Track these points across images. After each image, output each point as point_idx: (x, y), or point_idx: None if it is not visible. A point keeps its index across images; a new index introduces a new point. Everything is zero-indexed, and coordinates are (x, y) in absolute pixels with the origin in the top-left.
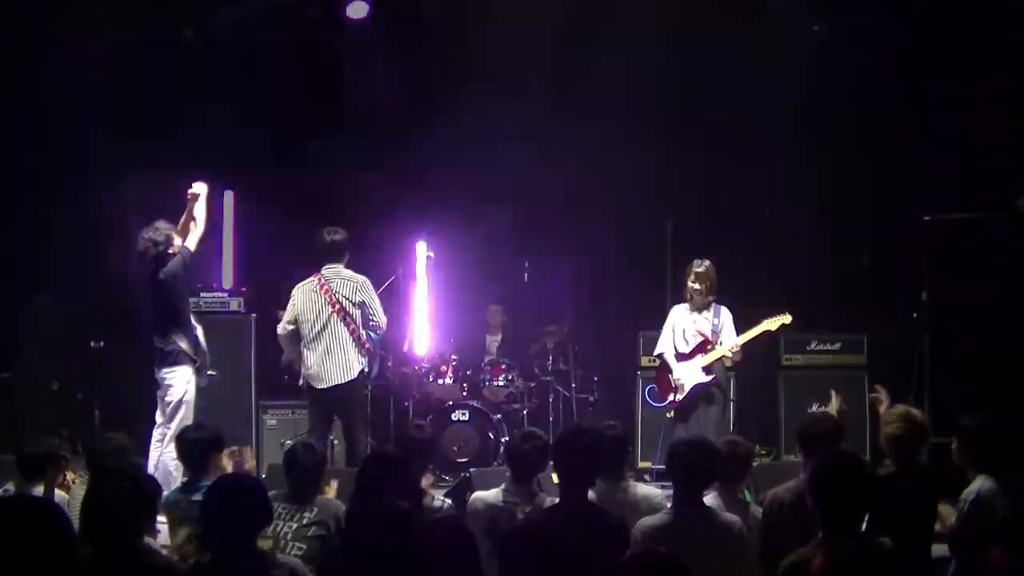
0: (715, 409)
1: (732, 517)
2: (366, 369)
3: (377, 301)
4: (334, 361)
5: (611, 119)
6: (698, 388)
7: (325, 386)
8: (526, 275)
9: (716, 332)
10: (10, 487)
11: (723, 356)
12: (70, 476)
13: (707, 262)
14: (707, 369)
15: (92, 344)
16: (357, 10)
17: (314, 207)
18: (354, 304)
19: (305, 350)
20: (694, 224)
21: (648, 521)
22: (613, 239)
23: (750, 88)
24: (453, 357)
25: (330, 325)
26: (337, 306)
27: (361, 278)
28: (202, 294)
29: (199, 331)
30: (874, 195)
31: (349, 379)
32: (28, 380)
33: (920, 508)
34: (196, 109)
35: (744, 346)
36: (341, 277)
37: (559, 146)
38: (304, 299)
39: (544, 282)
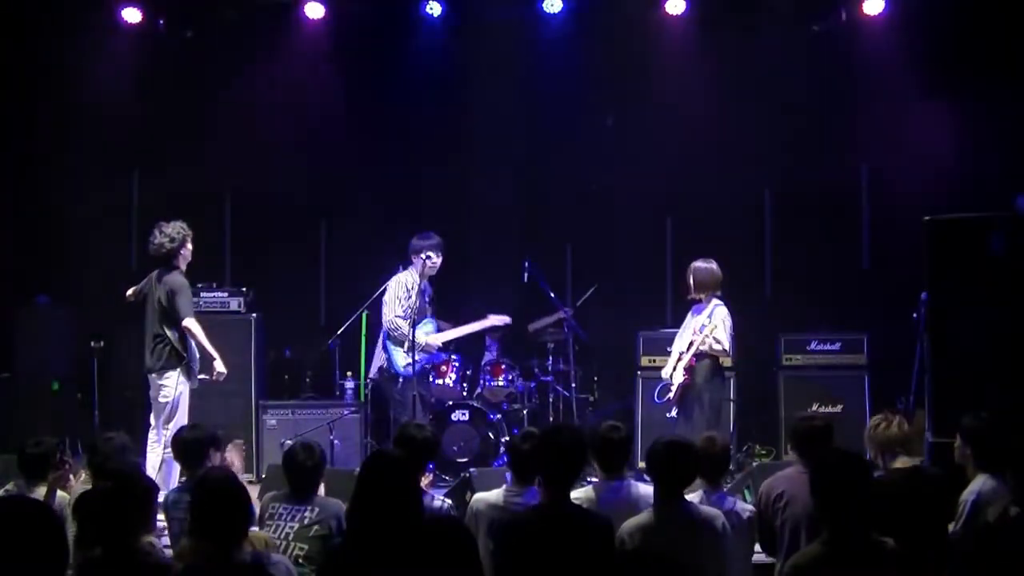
0: (696, 409)
1: (713, 511)
2: (384, 365)
3: (393, 298)
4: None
5: (611, 116)
6: (680, 388)
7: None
8: (525, 275)
9: (703, 332)
10: (11, 487)
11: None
12: (73, 478)
13: (698, 262)
14: (686, 369)
15: (92, 344)
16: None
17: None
18: (381, 304)
19: None
20: (694, 224)
21: (632, 521)
22: (613, 238)
23: (750, 86)
24: (453, 357)
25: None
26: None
27: (395, 279)
28: (202, 294)
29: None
30: (874, 194)
31: (372, 375)
32: (28, 380)
33: (925, 508)
34: (195, 110)
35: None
36: (392, 280)
37: (560, 146)
38: None
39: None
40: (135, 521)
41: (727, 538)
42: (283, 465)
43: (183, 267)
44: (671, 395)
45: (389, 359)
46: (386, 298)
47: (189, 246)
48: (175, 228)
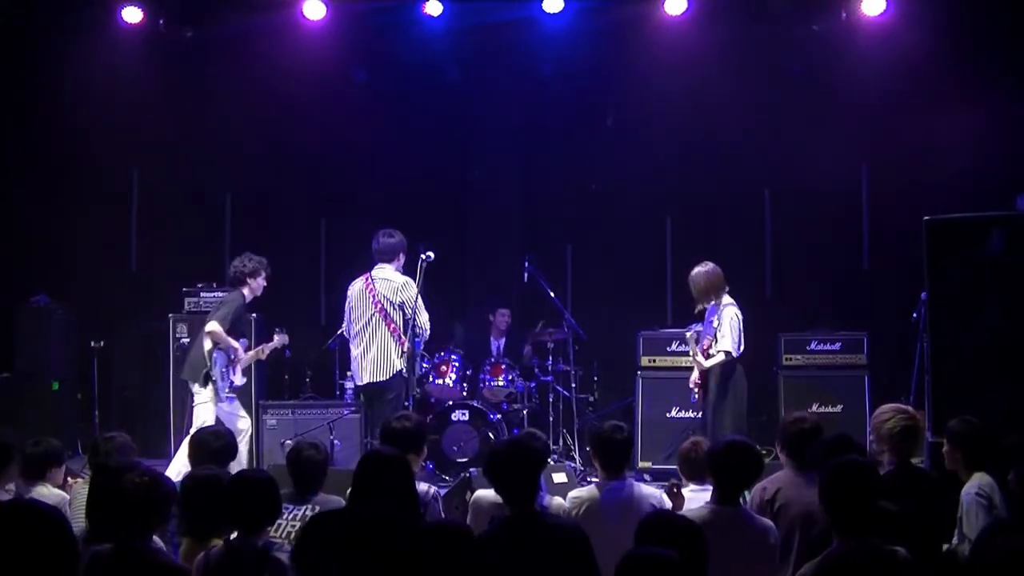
0: (709, 411)
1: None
2: (404, 371)
3: (418, 303)
4: (371, 359)
5: (611, 116)
6: (697, 387)
7: (362, 383)
8: (525, 275)
9: (711, 335)
10: (11, 487)
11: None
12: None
13: (695, 268)
14: (700, 374)
15: (92, 344)
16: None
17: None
18: (394, 306)
19: (351, 345)
20: (694, 224)
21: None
22: (613, 238)
23: (750, 86)
24: (453, 357)
25: (371, 324)
26: (379, 306)
27: (402, 280)
28: (202, 294)
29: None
30: (874, 194)
31: (385, 378)
32: (28, 380)
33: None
34: (195, 110)
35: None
36: (384, 278)
37: (560, 146)
38: (355, 297)
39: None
40: (152, 522)
41: (774, 551)
42: (288, 463)
43: (246, 294)
44: (694, 396)
45: (414, 363)
46: (411, 301)
47: (260, 280)
48: (248, 259)
